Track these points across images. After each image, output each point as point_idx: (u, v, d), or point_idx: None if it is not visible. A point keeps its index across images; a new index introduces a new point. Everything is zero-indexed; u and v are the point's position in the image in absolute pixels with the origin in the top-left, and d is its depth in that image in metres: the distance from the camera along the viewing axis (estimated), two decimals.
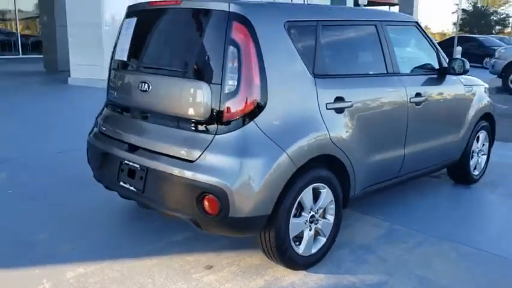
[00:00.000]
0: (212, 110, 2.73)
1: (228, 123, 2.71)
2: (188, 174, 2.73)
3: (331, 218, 3.15)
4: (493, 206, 4.52)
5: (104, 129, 3.43)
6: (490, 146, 5.13)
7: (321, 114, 3.00)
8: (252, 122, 2.71)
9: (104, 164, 3.36)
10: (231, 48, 2.69)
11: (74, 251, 3.25)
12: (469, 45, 22.23)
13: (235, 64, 2.68)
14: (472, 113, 4.56)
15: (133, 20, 3.32)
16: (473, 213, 4.28)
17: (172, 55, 3.08)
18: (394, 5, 39.03)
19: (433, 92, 4.03)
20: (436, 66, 4.21)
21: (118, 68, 3.43)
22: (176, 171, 2.78)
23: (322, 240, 3.14)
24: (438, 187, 4.84)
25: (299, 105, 2.94)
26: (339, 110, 3.12)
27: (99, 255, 3.19)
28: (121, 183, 3.16)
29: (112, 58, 3.53)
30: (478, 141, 4.82)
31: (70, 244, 3.35)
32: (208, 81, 2.75)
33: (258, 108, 2.72)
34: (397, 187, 4.16)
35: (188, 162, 2.76)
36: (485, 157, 5.05)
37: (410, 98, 3.72)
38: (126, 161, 3.13)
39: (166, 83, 2.99)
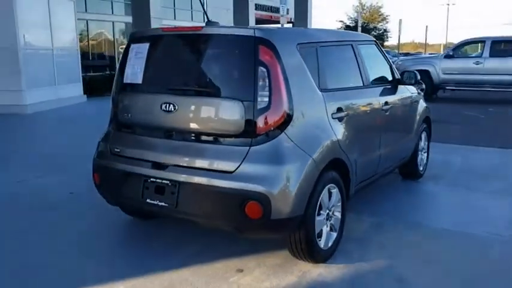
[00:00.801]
0: (246, 124, 3.03)
1: (261, 135, 3.02)
2: (229, 184, 2.99)
3: (338, 214, 3.57)
4: (441, 194, 5.23)
5: (118, 150, 3.53)
6: (428, 145, 5.92)
7: (330, 123, 3.42)
8: (282, 133, 3.05)
9: (123, 184, 3.46)
10: (261, 69, 3.02)
11: (102, 272, 3.31)
12: None
13: (265, 82, 3.01)
14: (418, 117, 5.29)
15: (145, 45, 3.48)
16: (430, 201, 4.97)
17: (200, 77, 3.31)
18: (289, 22, 41.18)
19: (393, 100, 4.65)
20: (390, 78, 4.86)
21: (130, 91, 3.56)
22: (216, 182, 3.02)
23: (334, 234, 3.54)
24: (393, 183, 5.48)
25: (315, 115, 3.35)
26: (340, 119, 3.57)
27: (130, 272, 3.29)
28: (147, 201, 3.30)
29: (117, 82, 3.64)
30: (421, 140, 5.57)
31: (96, 265, 3.40)
32: (242, 99, 3.04)
33: (287, 121, 3.06)
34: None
35: (227, 174, 3.02)
36: (425, 155, 5.83)
37: (382, 106, 4.29)
38: (152, 179, 3.28)
39: (197, 102, 3.22)
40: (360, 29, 34.38)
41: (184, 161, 3.20)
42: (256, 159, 3.00)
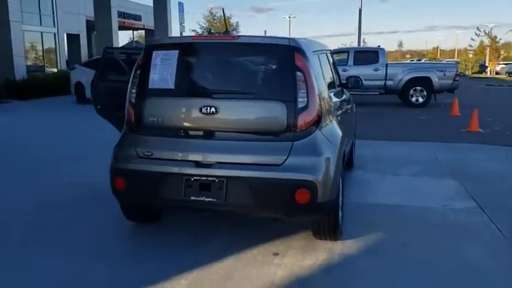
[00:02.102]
0: (289, 122, 3.46)
1: (302, 131, 3.49)
2: (279, 175, 3.39)
3: (341, 197, 4.17)
4: (376, 179, 6.13)
5: (150, 153, 3.64)
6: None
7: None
8: (317, 129, 3.54)
9: (158, 186, 3.58)
10: (298, 73, 3.48)
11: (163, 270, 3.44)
12: None
13: (303, 84, 3.48)
14: (354, 115, 6.19)
15: (173, 52, 3.66)
16: (371, 185, 5.83)
17: (241, 81, 3.62)
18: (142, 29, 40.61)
19: (346, 99, 5.44)
20: (338, 82, 5.64)
21: (158, 95, 3.69)
22: (266, 175, 3.39)
23: (340, 214, 4.13)
24: None
25: (330, 111, 3.90)
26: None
27: (181, 268, 3.46)
28: (192, 198, 3.51)
29: (139, 88, 3.73)
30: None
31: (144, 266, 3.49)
32: (284, 100, 3.46)
33: (319, 118, 3.57)
34: None
35: (275, 166, 3.41)
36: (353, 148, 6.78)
37: (344, 106, 5.03)
38: (195, 177, 3.50)
39: (240, 104, 3.54)
40: None
41: (232, 158, 3.49)
42: (299, 152, 3.45)
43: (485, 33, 49.09)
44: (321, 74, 3.95)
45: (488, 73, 48.41)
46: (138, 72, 3.77)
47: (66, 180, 5.92)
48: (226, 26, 4.03)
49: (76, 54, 31.99)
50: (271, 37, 3.72)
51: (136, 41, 48.19)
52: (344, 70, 14.98)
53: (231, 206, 3.51)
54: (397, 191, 5.58)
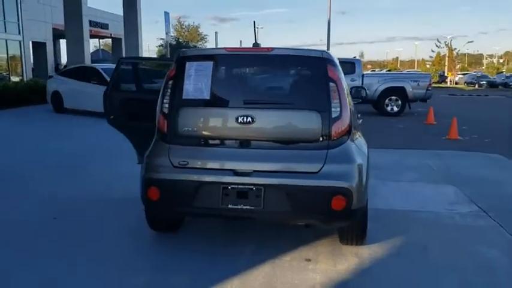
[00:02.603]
0: (323, 132, 3.58)
1: (336, 140, 3.61)
2: (316, 183, 3.50)
3: None
4: (379, 186, 6.33)
5: (185, 162, 3.68)
6: None
7: None
8: (349, 138, 3.67)
9: (195, 195, 3.62)
10: (331, 84, 3.61)
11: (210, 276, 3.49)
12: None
13: (336, 95, 3.61)
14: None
15: (208, 63, 3.72)
16: (375, 191, 6.03)
17: (276, 91, 3.73)
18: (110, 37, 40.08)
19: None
20: None
21: (193, 106, 3.74)
22: (303, 182, 3.50)
23: None
24: None
25: (356, 121, 4.04)
26: None
27: (222, 276, 3.51)
28: (229, 206, 3.57)
29: (172, 98, 3.77)
30: None
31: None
32: (318, 110, 3.58)
33: (350, 127, 3.70)
34: None
35: (312, 174, 3.52)
36: None
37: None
38: (232, 186, 3.56)
39: (276, 114, 3.64)
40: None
41: (269, 166, 3.57)
42: (334, 160, 3.57)
43: (445, 45, 51.01)
44: (346, 86, 4.10)
45: (448, 83, 50.25)
46: (170, 83, 3.81)
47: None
48: (255, 38, 4.13)
49: (42, 62, 31.30)
50: (303, 49, 3.85)
51: (102, 50, 47.55)
52: None
53: (268, 213, 3.59)
54: (401, 197, 5.78)
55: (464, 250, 4.10)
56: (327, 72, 3.64)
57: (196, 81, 3.74)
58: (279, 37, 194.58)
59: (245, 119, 3.60)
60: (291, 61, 3.76)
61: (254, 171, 3.57)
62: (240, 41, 32.14)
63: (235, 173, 3.59)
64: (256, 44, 4.03)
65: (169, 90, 3.81)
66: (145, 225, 4.26)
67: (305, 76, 3.72)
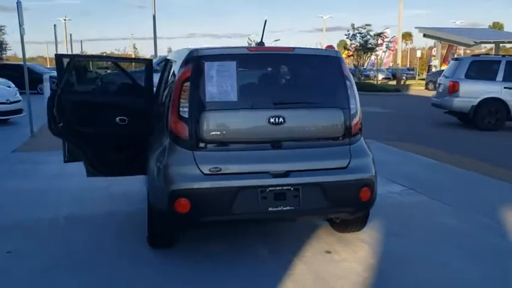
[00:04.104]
0: (345, 128, 3.76)
1: (354, 136, 3.83)
2: (346, 177, 3.69)
3: None
4: None
5: (218, 169, 3.47)
6: None
7: None
8: (360, 133, 3.93)
9: (231, 201, 3.46)
10: (347, 82, 3.81)
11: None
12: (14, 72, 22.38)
13: (352, 92, 3.82)
14: None
15: (231, 63, 3.54)
16: None
17: (302, 90, 3.72)
18: None
19: None
20: None
21: (220, 108, 3.52)
22: (336, 178, 3.65)
23: None
24: None
25: None
26: None
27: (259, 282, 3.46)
28: (269, 209, 3.52)
29: (193, 101, 3.51)
30: None
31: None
32: (340, 107, 3.75)
33: (361, 123, 3.95)
34: None
35: (342, 169, 3.69)
36: None
37: None
38: (270, 188, 3.52)
39: (304, 113, 3.67)
40: None
41: (303, 165, 3.61)
42: (357, 155, 3.78)
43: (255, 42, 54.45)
44: None
45: None
46: (187, 84, 3.53)
47: None
48: (262, 37, 4.01)
49: None
50: (321, 49, 3.95)
51: None
52: None
53: (306, 211, 3.64)
54: None
55: (429, 221, 4.78)
56: (343, 71, 3.82)
57: (220, 83, 3.54)
58: (77, 30, 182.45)
59: (277, 120, 3.56)
60: (311, 60, 3.83)
61: (290, 171, 3.57)
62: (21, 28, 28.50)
63: (272, 175, 3.54)
64: (261, 43, 3.96)
65: (187, 93, 3.53)
66: None
67: (325, 75, 3.82)
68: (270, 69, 3.81)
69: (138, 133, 4.60)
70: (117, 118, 4.51)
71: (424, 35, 36.05)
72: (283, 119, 3.58)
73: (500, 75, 12.01)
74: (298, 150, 3.67)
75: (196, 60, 3.57)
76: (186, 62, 3.60)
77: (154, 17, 31.77)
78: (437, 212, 5.09)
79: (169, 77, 4.89)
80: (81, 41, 31.72)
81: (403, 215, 4.97)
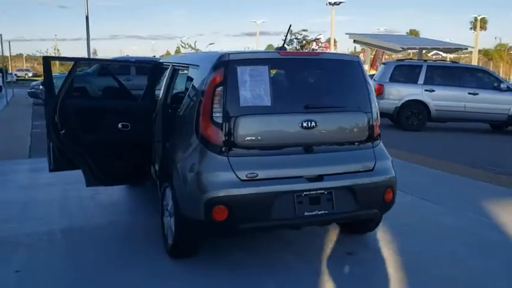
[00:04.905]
0: (369, 131, 3.86)
1: (376, 139, 3.94)
2: (374, 179, 3.78)
3: None
4: None
5: (255, 174, 3.42)
6: None
7: None
8: (380, 136, 4.04)
9: (268, 207, 3.42)
10: (369, 86, 3.91)
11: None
12: None
13: (373, 97, 3.93)
14: None
15: (263, 68, 3.50)
16: None
17: (330, 94, 3.75)
18: None
19: None
20: None
21: (254, 113, 3.47)
22: (365, 180, 3.73)
23: None
24: None
25: None
26: None
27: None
28: (305, 214, 3.52)
29: (225, 107, 3.44)
30: None
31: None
32: (364, 111, 3.84)
33: (380, 126, 4.06)
34: None
35: (369, 171, 3.78)
36: None
37: None
38: (304, 193, 3.53)
39: (334, 117, 3.71)
40: None
41: (335, 168, 3.65)
42: (379, 157, 3.88)
43: (189, 45, 54.01)
44: None
45: None
46: (220, 89, 3.45)
47: None
48: (284, 42, 3.99)
49: None
50: (345, 54, 4.00)
51: None
52: (128, 80, 14.68)
53: (339, 214, 3.67)
54: None
55: (426, 219, 5.01)
56: (364, 75, 3.91)
57: (254, 87, 3.49)
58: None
59: (309, 124, 3.57)
60: (337, 65, 3.87)
61: (324, 175, 3.60)
62: None
63: (307, 179, 3.55)
64: (283, 48, 3.96)
65: (218, 98, 3.45)
66: None
67: (350, 79, 3.87)
68: (299, 73, 3.80)
69: (141, 139, 4.44)
70: (120, 124, 4.33)
71: (355, 41, 37.47)
72: (315, 123, 3.60)
73: (421, 79, 12.76)
74: (329, 154, 3.71)
75: (228, 65, 3.50)
76: (216, 66, 3.52)
77: (87, 17, 30.39)
78: (430, 210, 5.32)
79: (181, 82, 4.77)
80: (9, 42, 29.32)
81: (399, 213, 5.13)
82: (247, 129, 3.48)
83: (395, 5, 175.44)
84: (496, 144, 11.23)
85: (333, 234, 4.45)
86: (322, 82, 3.86)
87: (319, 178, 3.58)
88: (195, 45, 52.96)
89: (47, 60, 4.66)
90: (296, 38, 30.96)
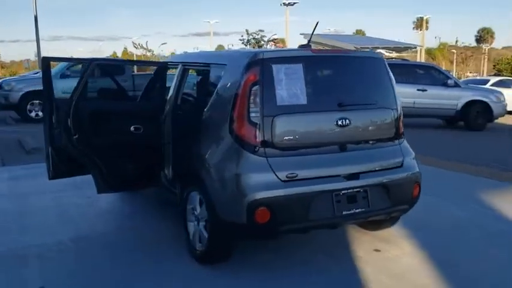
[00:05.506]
0: (396, 128, 3.88)
1: (401, 135, 3.96)
2: (403, 175, 3.80)
3: None
4: None
5: (295, 174, 3.35)
6: None
7: None
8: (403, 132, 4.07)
9: (308, 208, 3.36)
10: (393, 82, 3.93)
11: None
12: None
13: (396, 92, 3.95)
14: None
15: (297, 65, 3.44)
16: None
17: (361, 92, 3.73)
18: None
19: None
20: None
21: (290, 112, 3.40)
22: (396, 177, 3.74)
23: None
24: None
25: None
26: None
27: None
28: (343, 213, 3.49)
29: (263, 106, 3.35)
30: None
31: None
32: (391, 107, 3.85)
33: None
34: None
35: (399, 168, 3.79)
36: None
37: None
38: (342, 192, 3.50)
39: (367, 114, 3.70)
40: None
41: (370, 166, 3.63)
42: (405, 153, 3.91)
43: (141, 46, 52.87)
44: None
45: None
46: (256, 88, 3.35)
47: None
48: (310, 39, 3.91)
49: None
50: (372, 52, 3.99)
51: None
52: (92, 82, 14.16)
53: (374, 212, 3.65)
54: None
55: (444, 215, 5.04)
56: (388, 72, 3.93)
57: (290, 86, 3.41)
58: None
59: (344, 122, 3.54)
60: (366, 62, 3.85)
61: (359, 173, 3.58)
62: None
63: (345, 177, 3.52)
64: (308, 45, 3.90)
65: (254, 98, 3.35)
66: None
67: (378, 76, 3.85)
68: (331, 70, 3.76)
69: (153, 142, 4.27)
70: (132, 127, 4.14)
71: (309, 41, 38.03)
72: (349, 120, 3.57)
73: None
74: (363, 152, 3.69)
75: (263, 63, 3.41)
76: (250, 65, 3.41)
77: (35, 17, 29.21)
78: (450, 207, 5.31)
79: (199, 82, 4.60)
80: None
81: (419, 211, 5.14)
82: (285, 128, 3.41)
83: (342, 7, 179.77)
84: (448, 138, 11.88)
85: (353, 232, 4.43)
86: (352, 79, 3.82)
87: (356, 176, 3.56)
88: (147, 46, 52.10)
89: (46, 61, 4.39)
90: (254, 38, 31.02)
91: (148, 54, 52.54)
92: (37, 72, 23.44)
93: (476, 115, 12.96)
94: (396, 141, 3.89)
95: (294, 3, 38.45)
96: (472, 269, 3.72)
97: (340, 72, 3.77)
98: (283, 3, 38.19)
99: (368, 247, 4.11)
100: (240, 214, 3.27)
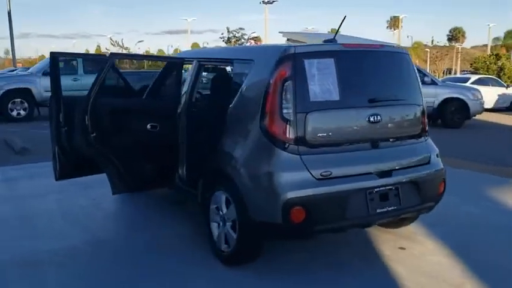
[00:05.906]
0: (422, 124, 3.83)
1: (427, 131, 3.92)
2: (433, 171, 3.76)
3: None
4: None
5: (329, 172, 3.25)
6: None
7: None
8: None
9: (343, 206, 3.28)
10: (418, 78, 3.89)
11: None
12: None
13: (421, 88, 3.90)
14: None
15: (329, 60, 3.35)
16: None
17: (392, 87, 3.66)
18: None
19: None
20: None
21: (323, 109, 3.31)
22: (425, 173, 3.70)
23: None
24: None
25: None
26: None
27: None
28: (377, 211, 3.42)
29: (296, 102, 3.25)
30: None
31: None
32: (417, 104, 3.81)
33: None
34: None
35: (427, 164, 3.75)
36: None
37: None
38: (376, 189, 3.42)
39: (397, 110, 3.64)
40: None
41: (401, 163, 3.57)
42: (430, 150, 3.87)
43: (117, 43, 51.97)
44: None
45: None
46: (288, 84, 3.25)
47: None
48: (336, 33, 3.79)
49: None
50: (395, 46, 3.94)
51: None
52: (75, 80, 13.82)
53: (405, 209, 3.59)
54: None
55: (458, 212, 5.00)
56: (414, 68, 3.87)
57: (322, 81, 3.32)
58: None
59: (376, 118, 3.47)
60: (395, 57, 3.77)
61: (391, 170, 3.52)
62: None
63: (378, 175, 3.44)
64: (334, 40, 3.81)
65: (286, 94, 3.25)
66: None
67: (405, 71, 3.79)
68: (362, 65, 3.66)
69: (169, 140, 4.13)
70: (149, 125, 3.99)
71: (288, 39, 38.07)
72: (380, 116, 3.50)
73: None
74: (393, 149, 3.63)
75: (294, 58, 3.31)
76: (282, 60, 3.31)
77: (9, 13, 28.36)
78: (463, 204, 5.27)
79: (222, 78, 4.45)
80: None
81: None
82: (319, 125, 3.32)
83: (317, 5, 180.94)
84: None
85: (374, 230, 4.36)
86: (383, 74, 3.73)
87: (388, 173, 3.49)
88: (122, 44, 51.31)
89: (54, 57, 4.20)
90: (234, 36, 30.95)
91: (125, 52, 51.75)
92: (13, 70, 22.76)
93: (453, 112, 13.00)
94: (422, 138, 3.85)
95: (273, 1, 38.40)
96: (502, 264, 3.70)
97: (370, 67, 3.68)
98: (263, 1, 38.08)
99: (393, 245, 4.06)
100: (275, 214, 3.16)
